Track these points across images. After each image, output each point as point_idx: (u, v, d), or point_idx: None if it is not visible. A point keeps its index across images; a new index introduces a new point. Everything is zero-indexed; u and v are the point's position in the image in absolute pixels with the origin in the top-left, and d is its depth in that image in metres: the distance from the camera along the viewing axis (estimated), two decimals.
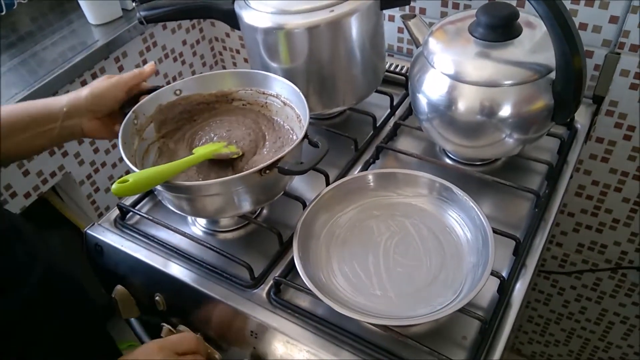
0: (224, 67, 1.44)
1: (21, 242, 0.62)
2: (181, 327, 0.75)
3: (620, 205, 1.07)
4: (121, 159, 1.26)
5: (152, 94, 0.76)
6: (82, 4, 1.17)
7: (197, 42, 1.38)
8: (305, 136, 0.69)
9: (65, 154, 1.13)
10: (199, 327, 0.73)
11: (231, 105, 0.82)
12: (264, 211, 0.80)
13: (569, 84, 0.68)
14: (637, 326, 1.27)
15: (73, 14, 1.24)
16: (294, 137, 0.76)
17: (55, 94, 1.08)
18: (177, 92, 0.78)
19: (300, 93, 0.73)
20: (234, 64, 1.42)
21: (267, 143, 0.77)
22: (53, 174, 1.12)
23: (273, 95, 0.79)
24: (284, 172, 0.65)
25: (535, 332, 1.50)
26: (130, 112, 0.73)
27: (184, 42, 1.34)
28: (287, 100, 0.77)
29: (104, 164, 1.22)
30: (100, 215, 0.81)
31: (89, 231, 0.80)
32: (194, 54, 1.38)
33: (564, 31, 0.64)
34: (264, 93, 0.80)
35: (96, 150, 1.19)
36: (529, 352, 1.57)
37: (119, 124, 0.72)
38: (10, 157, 0.73)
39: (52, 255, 0.68)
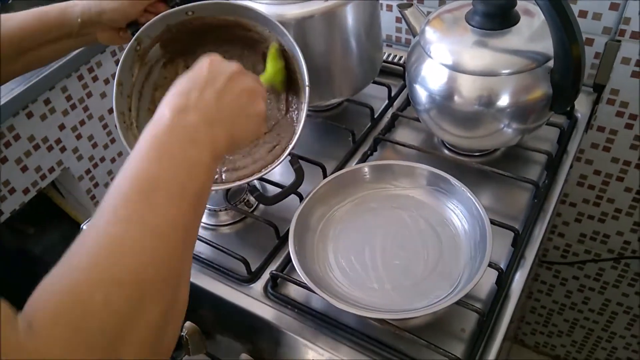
0: None
1: None
2: (187, 323, 0.75)
3: (622, 194, 1.06)
4: (120, 154, 1.26)
5: (160, 15, 0.69)
6: None
7: None
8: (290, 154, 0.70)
9: (63, 149, 1.13)
10: (196, 321, 0.73)
11: (248, 33, 0.74)
12: (261, 205, 0.79)
13: (568, 73, 0.67)
14: None
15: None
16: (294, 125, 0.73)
17: (52, 89, 1.08)
18: (190, 13, 0.70)
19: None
20: None
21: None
22: (52, 170, 1.12)
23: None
24: (257, 198, 0.70)
25: (538, 323, 1.49)
26: (133, 39, 0.69)
27: None
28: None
29: (102, 159, 1.22)
30: None
31: (86, 226, 0.79)
32: None
33: (561, 18, 0.63)
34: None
35: (94, 145, 1.19)
36: (532, 343, 1.57)
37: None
38: (27, 66, 0.72)
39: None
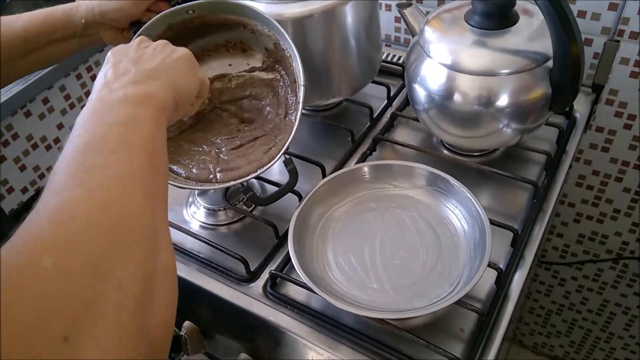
0: None
1: None
2: (185, 323, 0.75)
3: (621, 195, 1.06)
4: None
5: (161, 14, 0.70)
6: None
7: None
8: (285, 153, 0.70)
9: (61, 149, 1.12)
10: (194, 321, 0.73)
11: (248, 32, 0.75)
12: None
13: (567, 73, 0.67)
14: (639, 317, 1.27)
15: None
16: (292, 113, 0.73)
17: (50, 88, 1.07)
18: (190, 11, 0.71)
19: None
20: None
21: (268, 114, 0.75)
22: (50, 169, 1.12)
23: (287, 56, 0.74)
24: (250, 199, 0.70)
25: (537, 324, 1.49)
26: (135, 36, 0.67)
27: None
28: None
29: None
30: None
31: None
32: None
33: (560, 18, 0.63)
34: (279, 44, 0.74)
35: None
36: (531, 344, 1.57)
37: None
38: (32, 66, 0.72)
39: None
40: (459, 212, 0.69)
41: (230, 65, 0.77)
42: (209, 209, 0.77)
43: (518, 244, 0.69)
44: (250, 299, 0.68)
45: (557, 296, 1.37)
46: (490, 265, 0.63)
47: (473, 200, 0.66)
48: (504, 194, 0.77)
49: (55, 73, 1.07)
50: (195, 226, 0.77)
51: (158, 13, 0.70)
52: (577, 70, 0.67)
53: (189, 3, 0.70)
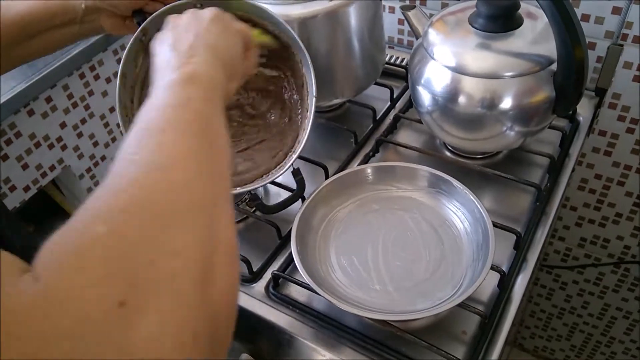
0: None
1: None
2: None
3: (623, 199, 1.06)
4: None
5: (168, 6, 0.66)
6: None
7: None
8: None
9: (64, 147, 1.13)
10: None
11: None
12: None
13: (571, 76, 0.67)
14: None
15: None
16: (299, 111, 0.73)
17: (53, 86, 1.07)
18: (199, 5, 0.66)
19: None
20: None
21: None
22: (52, 168, 1.12)
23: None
24: (258, 207, 0.70)
25: (538, 327, 1.49)
26: (138, 30, 0.66)
27: None
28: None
29: (103, 158, 1.22)
30: None
31: None
32: None
33: (565, 22, 0.63)
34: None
35: (95, 144, 1.19)
36: (532, 347, 1.57)
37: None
38: (32, 53, 0.70)
39: None
40: (462, 214, 0.69)
41: None
42: None
43: (521, 246, 0.69)
44: (253, 300, 0.68)
45: (558, 300, 1.36)
46: (493, 267, 0.62)
47: (476, 203, 0.66)
48: (506, 197, 0.77)
49: (59, 72, 1.07)
50: None
51: (163, 3, 0.68)
52: (581, 74, 0.67)
53: None
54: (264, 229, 0.74)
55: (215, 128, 0.42)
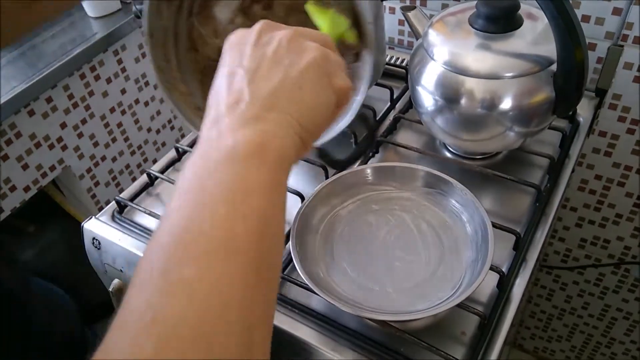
0: None
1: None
2: None
3: (623, 199, 1.06)
4: (121, 153, 1.26)
5: None
6: None
7: None
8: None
9: (64, 148, 1.13)
10: None
11: None
12: None
13: (571, 77, 0.67)
14: None
15: (72, 7, 1.23)
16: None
17: (54, 87, 1.08)
18: None
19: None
20: None
21: None
22: (52, 168, 1.12)
23: None
24: (329, 163, 0.62)
25: (538, 328, 1.49)
26: None
27: None
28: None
29: (103, 158, 1.22)
30: (101, 209, 0.81)
31: (86, 225, 0.79)
32: None
33: (565, 23, 0.63)
34: None
35: (96, 144, 1.19)
36: (532, 348, 1.57)
37: None
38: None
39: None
40: (462, 215, 0.69)
41: None
42: None
43: (520, 247, 0.69)
44: None
45: (558, 300, 1.36)
46: (492, 268, 0.62)
47: (475, 203, 0.66)
48: (506, 197, 0.77)
49: (59, 72, 1.07)
50: None
51: None
52: (581, 75, 0.67)
53: None
54: None
55: (273, 234, 0.35)
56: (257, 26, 0.41)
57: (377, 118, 0.91)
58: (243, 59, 0.39)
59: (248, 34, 0.41)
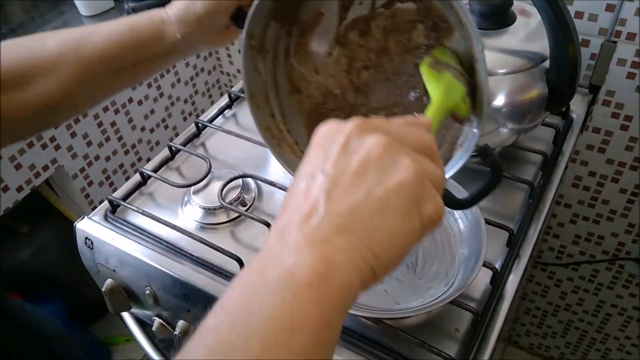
0: (218, 59, 1.43)
1: None
2: (180, 322, 0.74)
3: (617, 196, 1.06)
4: (115, 152, 1.25)
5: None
6: None
7: None
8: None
9: (57, 147, 1.12)
10: (189, 321, 0.73)
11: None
12: (256, 203, 0.79)
13: (563, 73, 0.67)
14: (635, 318, 1.27)
15: (65, 5, 1.22)
16: None
17: None
18: None
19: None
20: (228, 55, 1.40)
21: None
22: (46, 168, 1.11)
23: None
24: (449, 204, 0.48)
25: (533, 324, 1.49)
26: (244, 37, 0.55)
27: None
28: None
29: (97, 157, 1.21)
30: (95, 209, 0.80)
31: (78, 225, 0.79)
32: None
33: (558, 19, 0.63)
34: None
35: (89, 144, 1.19)
36: (527, 344, 1.57)
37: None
38: (115, 89, 0.62)
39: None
40: (455, 212, 0.69)
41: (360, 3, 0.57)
42: (204, 208, 0.77)
43: (513, 243, 0.69)
44: None
45: (553, 297, 1.37)
46: (485, 265, 0.63)
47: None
48: (500, 194, 0.77)
49: None
50: (190, 225, 0.77)
51: None
52: (574, 71, 0.67)
53: None
54: (256, 227, 0.74)
55: None
56: (350, 126, 0.36)
57: None
58: (327, 162, 0.35)
59: (338, 131, 0.36)
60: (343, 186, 0.33)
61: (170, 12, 0.58)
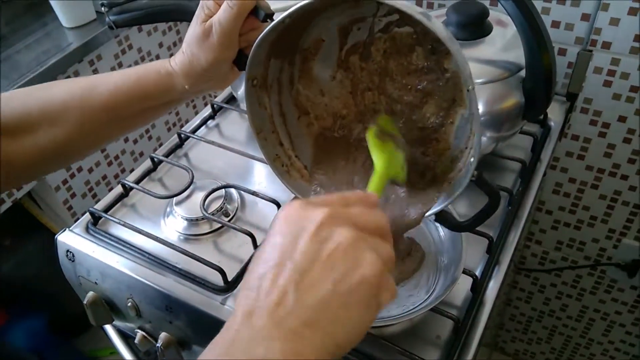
0: None
1: None
2: (162, 334, 0.74)
3: (597, 202, 1.08)
4: (98, 164, 1.25)
5: (258, 40, 0.53)
6: (55, 6, 1.15)
7: (174, 44, 1.37)
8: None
9: None
10: (171, 332, 0.73)
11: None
12: (239, 213, 0.79)
13: (539, 82, 0.68)
14: (617, 322, 1.28)
15: (47, 17, 1.22)
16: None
17: None
18: (287, 20, 0.52)
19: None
20: None
21: None
22: None
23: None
24: (449, 227, 0.58)
25: (518, 330, 1.50)
26: (246, 81, 0.57)
27: (161, 45, 1.33)
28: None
29: (79, 169, 1.21)
30: (78, 221, 0.80)
31: (59, 238, 0.79)
32: (171, 56, 1.37)
33: (532, 29, 0.64)
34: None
35: None
36: (512, 350, 1.58)
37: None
38: (119, 134, 0.64)
39: None
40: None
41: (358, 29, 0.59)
42: (186, 219, 0.77)
43: (493, 250, 0.70)
44: (228, 309, 0.68)
45: (537, 303, 1.38)
46: (465, 272, 0.63)
47: (448, 208, 0.66)
48: (479, 201, 0.76)
49: (34, 83, 1.05)
50: (172, 236, 0.77)
51: (254, 29, 0.58)
52: (549, 80, 0.68)
53: (284, 15, 0.51)
54: (238, 238, 0.74)
55: None
56: (320, 215, 0.37)
57: None
58: (295, 251, 0.36)
59: (307, 218, 0.37)
60: (311, 278, 0.35)
61: (175, 66, 0.60)
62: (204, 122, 0.96)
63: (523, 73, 0.71)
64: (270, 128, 0.61)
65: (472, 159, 0.53)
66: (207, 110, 0.98)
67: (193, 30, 0.57)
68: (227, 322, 0.35)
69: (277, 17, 0.52)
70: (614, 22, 0.84)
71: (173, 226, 0.78)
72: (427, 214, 0.57)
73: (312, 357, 0.33)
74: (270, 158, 0.61)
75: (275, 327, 0.34)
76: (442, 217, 0.59)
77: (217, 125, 0.96)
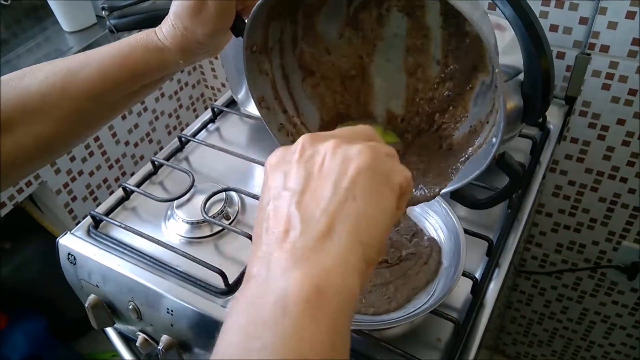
0: (202, 73, 1.44)
1: None
2: (163, 337, 0.74)
3: (597, 204, 1.08)
4: (99, 167, 1.25)
5: (255, 7, 0.50)
6: (55, 10, 1.16)
7: None
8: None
9: None
10: (173, 335, 0.73)
11: None
12: (239, 216, 0.80)
13: (537, 85, 0.68)
14: (618, 325, 1.28)
15: (48, 21, 1.23)
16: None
17: None
18: None
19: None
20: (212, 69, 1.41)
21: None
22: (29, 183, 1.11)
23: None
24: (468, 204, 0.56)
25: (519, 333, 1.50)
26: (244, 48, 0.54)
27: None
28: None
29: (80, 172, 1.21)
30: (78, 224, 0.80)
31: (61, 241, 0.79)
32: None
33: (530, 33, 0.64)
34: None
35: (72, 159, 1.18)
36: (514, 353, 1.58)
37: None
38: (111, 116, 0.59)
39: None
40: (435, 222, 0.70)
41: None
42: (187, 222, 0.77)
43: (493, 253, 0.70)
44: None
45: (537, 305, 1.38)
46: (465, 274, 0.63)
47: (448, 210, 0.67)
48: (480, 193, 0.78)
49: None
50: (173, 239, 0.77)
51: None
52: (547, 84, 0.68)
53: None
54: (239, 241, 0.74)
55: None
56: (299, 142, 0.37)
57: None
58: (287, 180, 0.35)
59: (289, 152, 0.37)
60: (310, 193, 0.34)
61: (166, 41, 0.54)
62: (204, 126, 0.96)
63: (521, 77, 0.71)
64: (273, 94, 0.58)
65: (494, 139, 0.51)
66: (208, 114, 0.98)
67: (183, 0, 0.52)
68: (245, 276, 0.34)
69: None
70: (612, 25, 0.84)
71: (174, 229, 0.78)
72: (443, 190, 0.55)
73: (337, 270, 0.30)
74: (274, 128, 0.58)
75: (289, 255, 0.31)
76: (460, 194, 0.57)
77: (217, 129, 0.97)
